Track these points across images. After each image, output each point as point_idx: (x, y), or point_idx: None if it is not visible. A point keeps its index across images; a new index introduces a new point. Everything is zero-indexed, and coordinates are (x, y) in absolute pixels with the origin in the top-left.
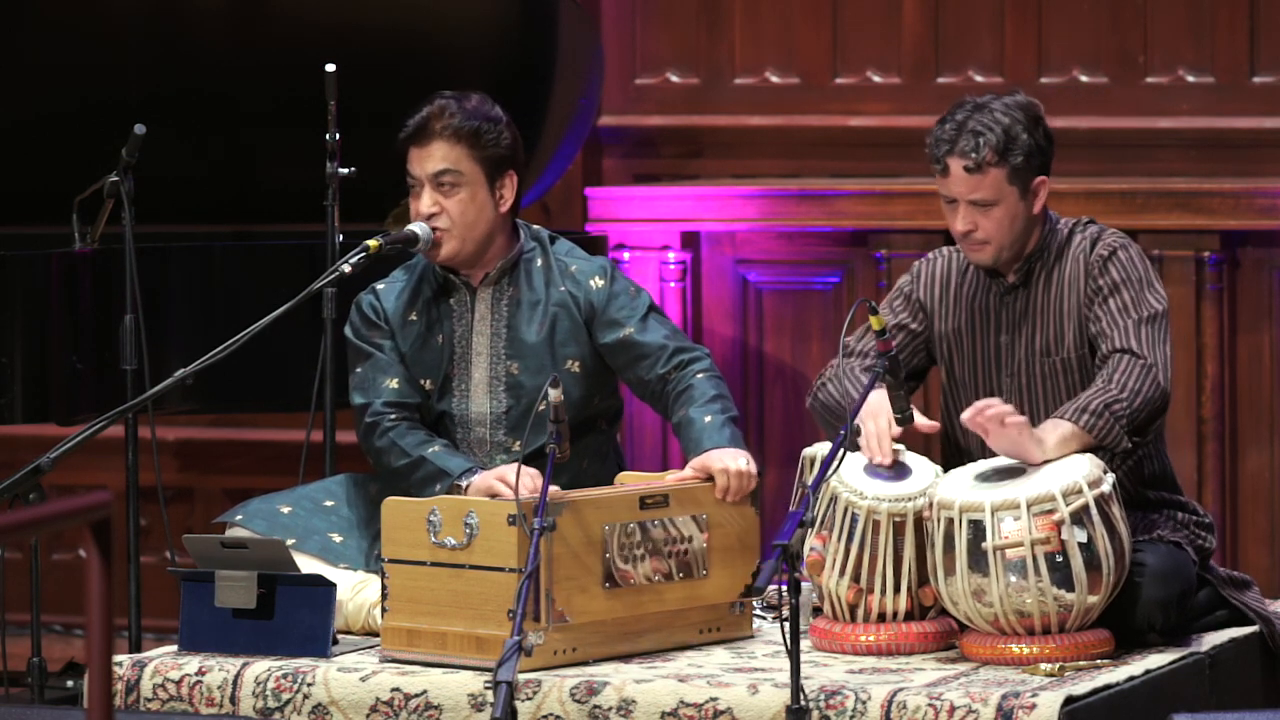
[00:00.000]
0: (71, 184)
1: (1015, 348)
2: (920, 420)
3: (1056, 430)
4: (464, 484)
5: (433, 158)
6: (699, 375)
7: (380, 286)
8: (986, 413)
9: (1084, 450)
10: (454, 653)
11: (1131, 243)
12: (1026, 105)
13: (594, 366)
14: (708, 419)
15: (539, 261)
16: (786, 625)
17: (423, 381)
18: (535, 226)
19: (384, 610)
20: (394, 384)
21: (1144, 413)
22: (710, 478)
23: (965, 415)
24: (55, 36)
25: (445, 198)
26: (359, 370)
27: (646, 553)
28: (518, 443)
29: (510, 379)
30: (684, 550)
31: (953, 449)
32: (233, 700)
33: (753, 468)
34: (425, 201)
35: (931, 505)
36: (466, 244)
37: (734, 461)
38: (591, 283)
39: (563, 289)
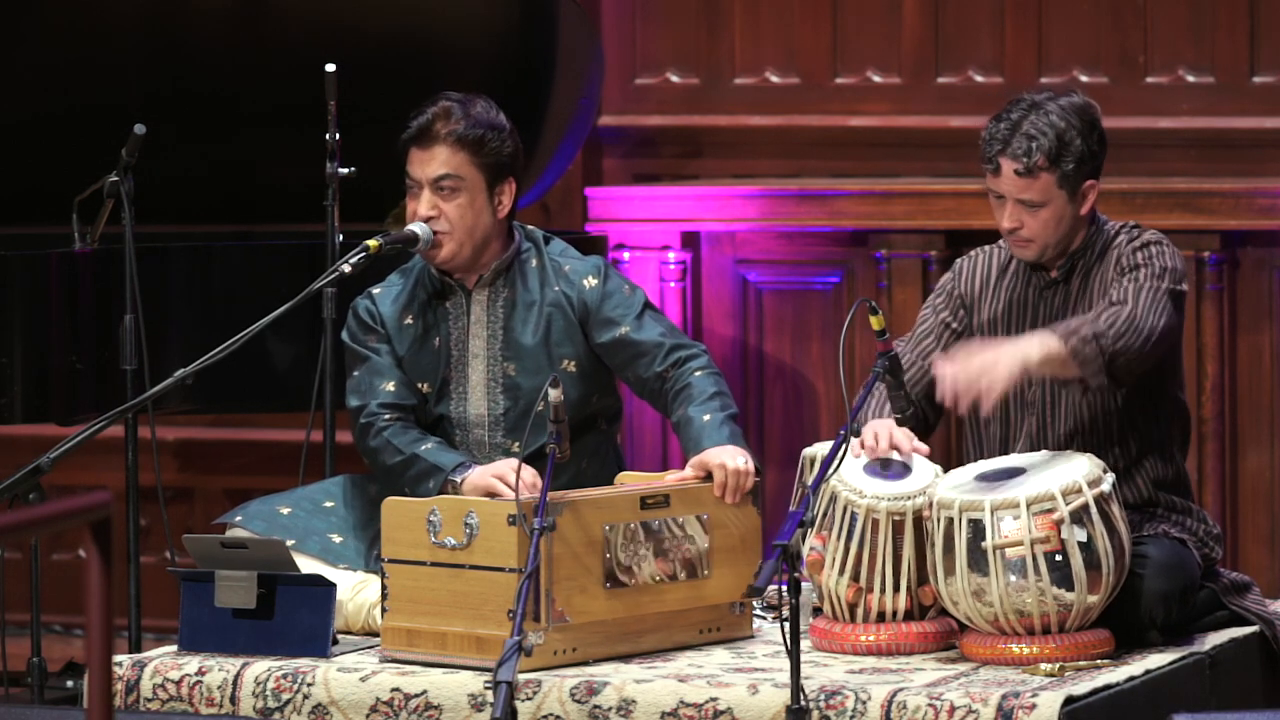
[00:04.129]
0: (71, 184)
1: None
2: (917, 444)
3: (1041, 341)
4: (458, 479)
5: (434, 161)
6: (697, 373)
7: (376, 291)
8: (944, 383)
9: (1062, 373)
10: (454, 653)
11: (1169, 243)
12: (1083, 108)
13: (590, 366)
14: (707, 417)
15: (534, 262)
16: (786, 625)
17: (420, 385)
18: (530, 227)
19: (384, 610)
20: (390, 386)
21: (1121, 356)
22: (710, 476)
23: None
24: (55, 36)
25: (444, 202)
26: (355, 374)
27: (650, 553)
28: (517, 444)
29: (508, 380)
30: (687, 550)
31: (973, 441)
32: (233, 700)
33: (751, 465)
34: (424, 204)
35: (931, 505)
36: (464, 248)
37: (732, 459)
38: (585, 282)
39: (557, 289)
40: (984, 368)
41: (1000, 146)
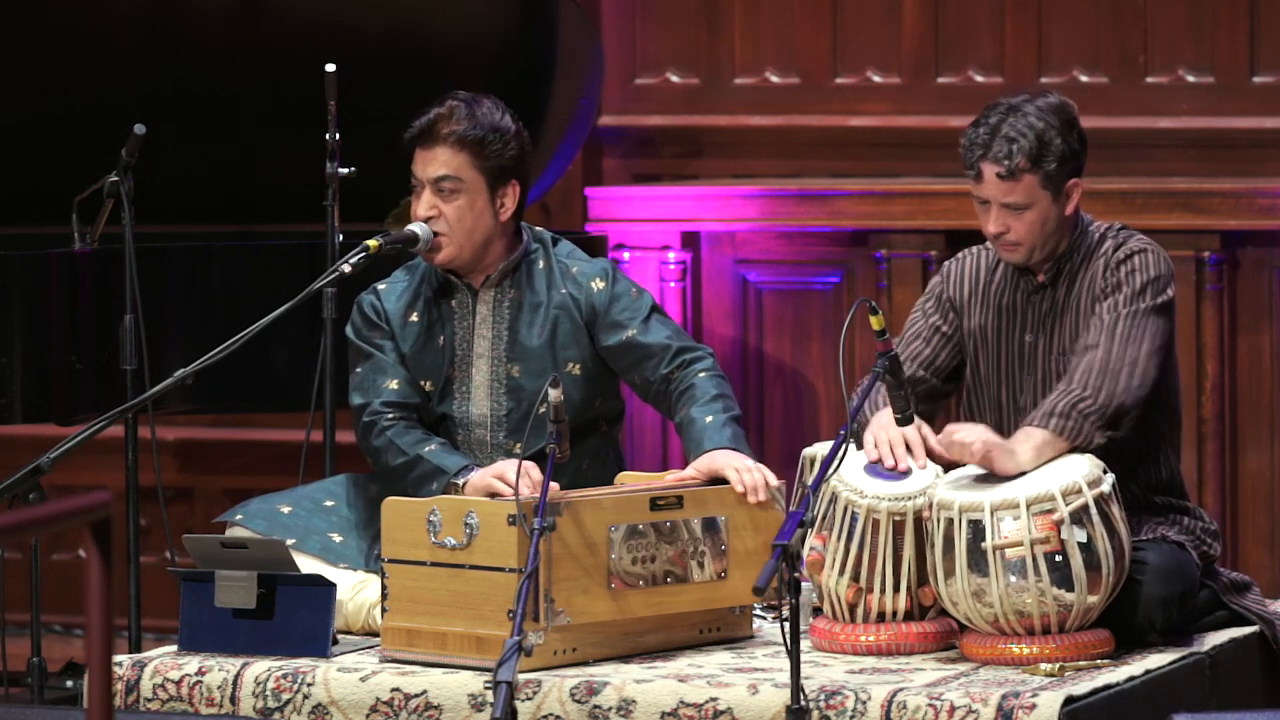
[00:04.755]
0: (71, 184)
1: (1040, 347)
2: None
3: (1029, 440)
4: (460, 482)
5: (435, 162)
6: (701, 375)
7: (381, 287)
8: (953, 437)
9: (1062, 454)
10: (454, 653)
11: (1157, 248)
12: (1060, 108)
13: (595, 369)
14: (709, 419)
15: (541, 264)
16: (786, 625)
17: (423, 383)
18: (538, 229)
19: (384, 610)
20: (393, 385)
21: (1111, 407)
22: (713, 480)
23: (938, 441)
24: (55, 36)
25: (444, 202)
26: (359, 370)
27: (666, 552)
28: (518, 445)
29: (511, 381)
30: (703, 552)
31: None
32: (233, 700)
33: (759, 465)
34: (424, 204)
35: (931, 505)
36: (463, 250)
37: (740, 462)
38: (593, 285)
39: (564, 291)
40: (995, 456)
41: (981, 151)
